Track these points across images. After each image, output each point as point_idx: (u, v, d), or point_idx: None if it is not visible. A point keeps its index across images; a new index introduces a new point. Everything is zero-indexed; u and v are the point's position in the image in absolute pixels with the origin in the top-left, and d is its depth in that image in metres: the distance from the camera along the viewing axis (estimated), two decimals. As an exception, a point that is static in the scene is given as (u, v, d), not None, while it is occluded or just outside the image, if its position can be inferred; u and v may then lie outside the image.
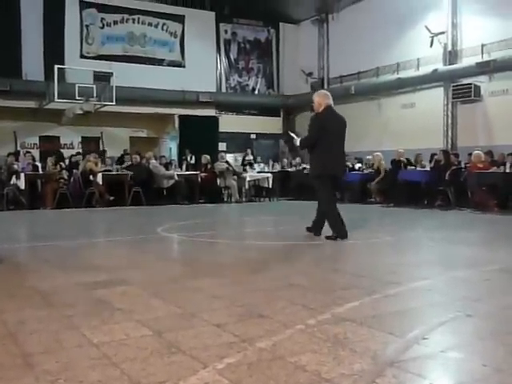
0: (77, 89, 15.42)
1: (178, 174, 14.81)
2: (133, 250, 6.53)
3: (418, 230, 8.34)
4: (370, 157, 14.74)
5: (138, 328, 2.94)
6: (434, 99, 15.62)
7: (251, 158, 18.14)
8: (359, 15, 17.91)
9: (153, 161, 14.84)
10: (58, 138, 17.66)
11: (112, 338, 2.76)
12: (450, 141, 15.41)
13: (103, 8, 17.87)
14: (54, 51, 16.64)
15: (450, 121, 15.45)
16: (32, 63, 16.39)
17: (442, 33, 15.34)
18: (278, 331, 2.84)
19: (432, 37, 15.47)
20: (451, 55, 15.33)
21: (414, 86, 16.14)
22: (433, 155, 13.09)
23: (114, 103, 15.81)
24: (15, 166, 13.34)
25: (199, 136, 17.76)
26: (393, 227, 8.66)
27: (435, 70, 15.35)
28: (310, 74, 20.29)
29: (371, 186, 14.06)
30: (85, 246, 6.70)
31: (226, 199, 15.48)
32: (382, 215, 11.28)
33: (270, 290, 3.91)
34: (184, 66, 19.11)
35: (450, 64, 15.30)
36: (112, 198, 13.57)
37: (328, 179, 6.64)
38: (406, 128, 15.58)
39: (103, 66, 16.67)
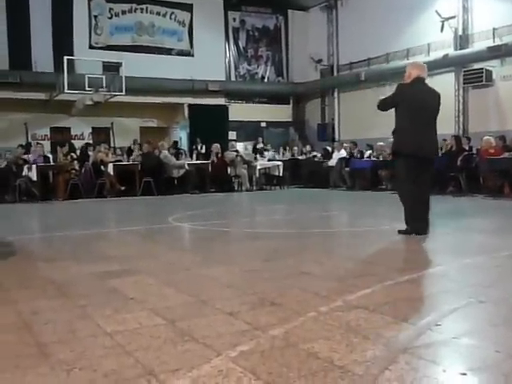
0: (86, 79, 15.45)
1: (188, 164, 14.84)
2: (144, 239, 6.57)
3: (429, 217, 8.29)
4: (381, 143, 14.65)
5: (150, 317, 2.96)
6: (445, 84, 15.42)
7: (262, 145, 18.09)
8: (368, 1, 17.75)
9: (164, 151, 14.87)
10: (69, 128, 17.70)
11: (125, 328, 2.78)
12: (461, 126, 15.29)
13: (111, -2, 17.84)
14: (63, 42, 16.65)
15: (461, 106, 15.32)
16: (41, 55, 16.42)
17: (453, 17, 15.15)
18: (290, 319, 2.84)
19: (442, 21, 15.30)
20: (462, 40, 15.15)
21: (425, 71, 15.98)
22: (444, 141, 13.00)
23: (123, 93, 15.84)
24: (25, 158, 13.44)
25: (209, 125, 17.72)
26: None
27: (446, 55, 15.18)
28: (319, 61, 20.16)
29: (382, 173, 14.02)
30: (97, 236, 6.75)
31: (236, 188, 15.50)
32: (393, 202, 11.20)
33: (281, 278, 3.92)
34: (193, 55, 19.05)
35: (461, 49, 15.13)
36: (123, 188, 13.63)
37: (407, 158, 5.83)
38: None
39: (112, 56, 16.67)
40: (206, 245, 5.93)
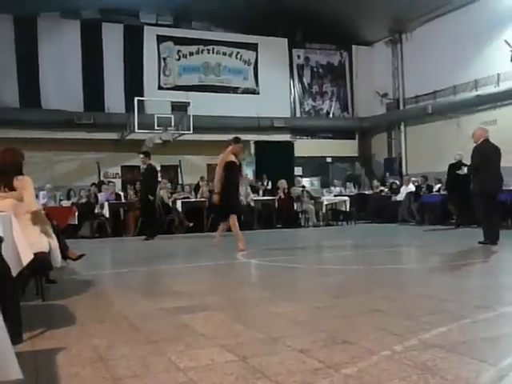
0: (156, 119, 15.97)
1: (254, 200, 14.94)
2: (213, 275, 6.62)
3: (505, 252, 8.00)
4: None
5: (222, 353, 2.96)
6: (517, 115, 15.03)
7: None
8: (434, 33, 17.61)
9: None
10: (139, 167, 18.18)
11: (198, 363, 2.79)
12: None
13: (179, 40, 18.50)
14: (133, 85, 17.37)
15: (534, 137, 14.80)
16: (114, 97, 17.16)
17: (523, 46, 14.82)
18: (363, 357, 2.78)
19: (512, 51, 14.98)
20: (533, 69, 14.76)
21: (495, 102, 15.62)
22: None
23: (191, 132, 16.23)
24: (98, 197, 13.93)
25: (275, 161, 17.86)
26: (477, 249, 8.35)
27: (517, 86, 14.80)
28: (384, 95, 20.07)
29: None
30: (167, 272, 6.86)
31: (303, 223, 15.44)
32: (464, 236, 10.88)
33: (352, 316, 3.85)
34: (258, 93, 19.39)
35: (532, 78, 14.72)
36: (191, 224, 13.84)
37: (485, 195, 8.31)
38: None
39: (180, 96, 17.23)
40: (274, 281, 5.91)
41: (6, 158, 4.53)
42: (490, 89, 15.81)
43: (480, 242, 8.47)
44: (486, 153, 8.43)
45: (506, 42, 14.96)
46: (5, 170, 4.45)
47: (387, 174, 18.63)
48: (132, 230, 13.60)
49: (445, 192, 14.12)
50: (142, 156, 12.67)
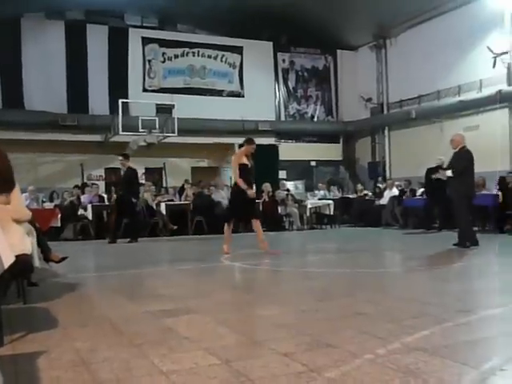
0: (140, 121, 15.91)
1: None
2: (197, 278, 6.60)
3: (485, 256, 8.08)
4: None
5: (205, 357, 2.96)
6: (500, 120, 15.19)
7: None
8: (417, 39, 17.76)
9: (220, 190, 15.10)
10: (122, 169, 18.14)
11: (181, 367, 2.78)
12: (517, 162, 14.91)
13: (164, 43, 18.47)
14: (118, 86, 17.28)
15: (516, 142, 14.98)
16: (98, 99, 17.06)
17: (505, 53, 14.97)
18: (346, 361, 2.79)
19: (495, 57, 15.13)
20: (516, 75, 14.92)
21: (477, 108, 15.77)
22: (503, 178, 12.67)
23: (175, 134, 16.17)
24: (81, 199, 13.84)
25: (259, 164, 17.77)
26: (459, 253, 8.42)
27: (499, 91, 14.95)
28: (369, 100, 20.18)
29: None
30: (150, 275, 6.83)
31: (287, 227, 15.47)
32: (446, 240, 10.96)
33: (336, 319, 3.87)
34: (243, 96, 19.40)
35: (515, 84, 14.89)
36: (175, 227, 13.80)
37: (466, 199, 8.65)
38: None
39: (165, 99, 17.16)
40: (258, 284, 5.91)
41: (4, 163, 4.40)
42: (473, 94, 15.97)
43: (465, 246, 8.64)
44: (467, 158, 8.83)
45: (489, 48, 15.12)
46: (7, 179, 4.34)
47: (379, 179, 18.70)
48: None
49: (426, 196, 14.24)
50: (120, 158, 12.55)
